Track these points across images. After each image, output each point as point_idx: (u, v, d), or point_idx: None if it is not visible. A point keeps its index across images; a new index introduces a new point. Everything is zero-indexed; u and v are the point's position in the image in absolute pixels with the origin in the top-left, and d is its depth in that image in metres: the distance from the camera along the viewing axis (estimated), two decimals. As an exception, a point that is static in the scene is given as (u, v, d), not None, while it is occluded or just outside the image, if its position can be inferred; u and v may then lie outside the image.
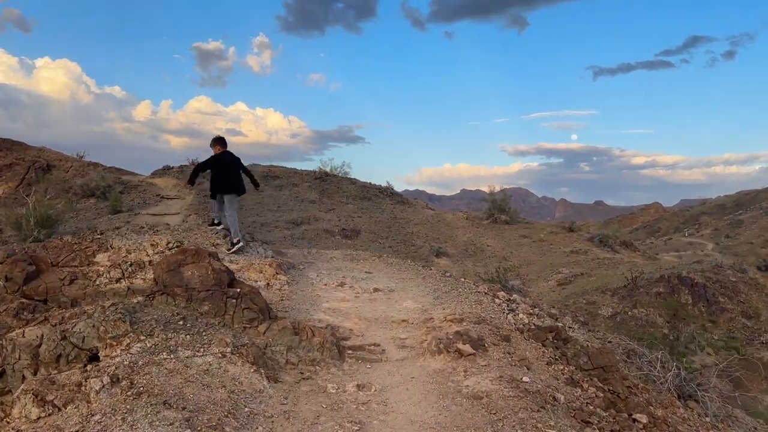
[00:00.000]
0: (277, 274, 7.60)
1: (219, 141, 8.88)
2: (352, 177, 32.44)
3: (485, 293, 8.00)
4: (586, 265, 28.28)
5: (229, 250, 8.57)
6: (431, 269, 9.32)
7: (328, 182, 31.37)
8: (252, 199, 30.61)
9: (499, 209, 29.87)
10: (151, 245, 7.64)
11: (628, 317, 21.11)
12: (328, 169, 32.13)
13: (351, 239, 25.66)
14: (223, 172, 8.86)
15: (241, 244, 8.62)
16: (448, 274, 8.85)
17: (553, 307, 9.97)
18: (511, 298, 9.07)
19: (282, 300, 6.98)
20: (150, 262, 7.40)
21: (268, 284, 7.36)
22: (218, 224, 9.16)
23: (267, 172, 32.81)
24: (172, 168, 32.50)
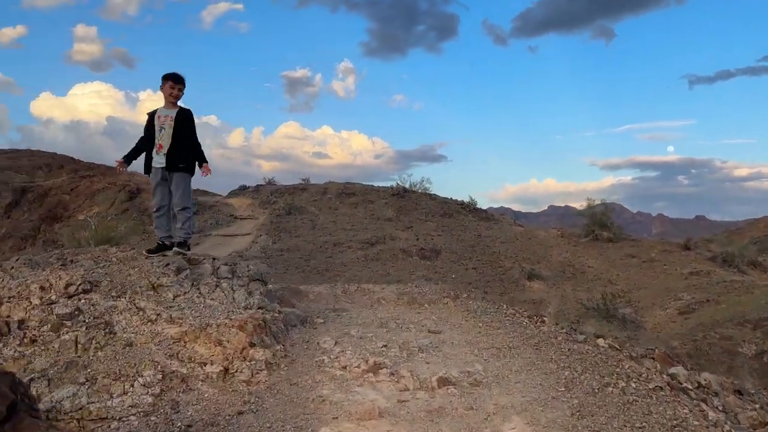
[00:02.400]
0: (251, 347, 3.64)
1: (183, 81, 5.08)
2: (431, 193, 28.41)
3: (671, 387, 3.61)
4: (711, 290, 22.42)
5: (178, 249, 4.90)
6: (545, 324, 4.96)
7: (405, 199, 27.58)
8: (326, 218, 27.48)
9: (600, 225, 24.47)
10: (41, 288, 4.00)
11: (779, 358, 15.47)
12: (406, 185, 28.30)
13: (430, 260, 21.73)
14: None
15: (189, 250, 4.95)
16: (581, 338, 4.46)
17: (763, 389, 5.31)
18: (703, 383, 4.57)
19: (240, 413, 3.04)
20: (25, 319, 3.78)
21: (226, 371, 3.44)
22: (171, 246, 5.14)
23: (342, 189, 29.74)
24: (248, 188, 30.30)
